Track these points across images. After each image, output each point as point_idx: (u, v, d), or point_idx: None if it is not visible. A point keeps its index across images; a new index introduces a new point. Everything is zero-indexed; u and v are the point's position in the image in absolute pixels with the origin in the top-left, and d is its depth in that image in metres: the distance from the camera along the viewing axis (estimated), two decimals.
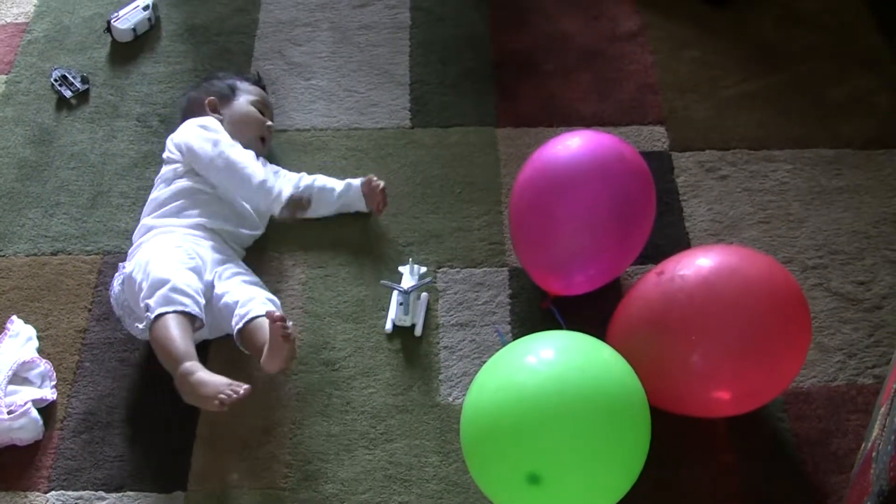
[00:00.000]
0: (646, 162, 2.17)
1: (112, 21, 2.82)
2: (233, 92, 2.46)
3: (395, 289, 2.19)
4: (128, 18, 2.83)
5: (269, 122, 2.47)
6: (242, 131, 2.40)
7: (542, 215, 2.09)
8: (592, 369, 1.76)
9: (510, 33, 2.88)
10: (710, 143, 2.58)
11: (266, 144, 2.48)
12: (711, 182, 2.48)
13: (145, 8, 2.86)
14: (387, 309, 2.23)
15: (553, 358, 1.79)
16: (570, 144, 2.12)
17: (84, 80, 2.72)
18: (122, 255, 2.29)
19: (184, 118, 2.44)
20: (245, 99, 2.46)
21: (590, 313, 2.14)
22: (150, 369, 2.12)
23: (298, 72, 2.77)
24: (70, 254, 2.35)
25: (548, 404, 1.70)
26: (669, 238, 2.35)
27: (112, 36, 2.84)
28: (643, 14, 2.93)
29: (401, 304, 2.19)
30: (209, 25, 2.90)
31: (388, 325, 2.20)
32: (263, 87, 2.57)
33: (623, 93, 2.70)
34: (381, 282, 2.24)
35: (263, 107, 2.49)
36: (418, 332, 2.19)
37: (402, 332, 2.20)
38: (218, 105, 2.44)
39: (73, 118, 2.65)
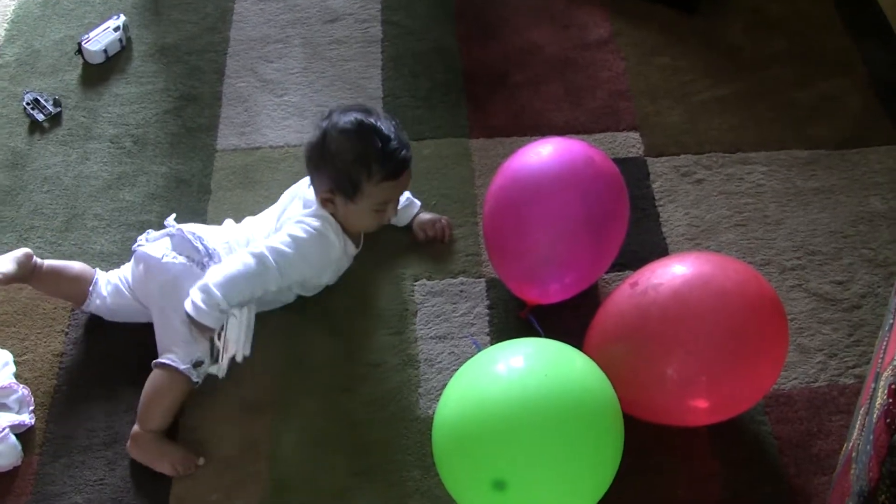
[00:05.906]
0: (621, 168, 2.16)
1: (83, 43, 2.81)
2: (356, 192, 2.13)
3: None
4: (98, 40, 2.82)
5: (390, 217, 2.23)
6: (351, 226, 2.22)
7: (515, 224, 2.08)
8: (558, 375, 1.74)
9: (480, 46, 2.88)
10: (685, 147, 2.58)
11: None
12: (687, 186, 2.48)
13: (116, 29, 2.85)
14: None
15: (519, 365, 1.78)
16: (541, 152, 2.11)
17: (56, 103, 2.71)
18: None
19: (308, 164, 2.20)
20: (367, 205, 2.15)
21: (569, 322, 2.13)
22: (127, 391, 2.10)
23: (271, 88, 2.76)
24: None
25: (509, 409, 1.69)
26: (646, 244, 2.34)
27: (83, 58, 2.83)
28: (613, 22, 2.94)
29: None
30: (180, 45, 2.89)
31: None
32: (399, 169, 2.15)
33: (595, 100, 2.70)
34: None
35: (386, 203, 2.19)
36: (241, 355, 2.06)
37: (383, 345, 2.19)
38: (334, 198, 2.16)
39: (46, 141, 2.64)
